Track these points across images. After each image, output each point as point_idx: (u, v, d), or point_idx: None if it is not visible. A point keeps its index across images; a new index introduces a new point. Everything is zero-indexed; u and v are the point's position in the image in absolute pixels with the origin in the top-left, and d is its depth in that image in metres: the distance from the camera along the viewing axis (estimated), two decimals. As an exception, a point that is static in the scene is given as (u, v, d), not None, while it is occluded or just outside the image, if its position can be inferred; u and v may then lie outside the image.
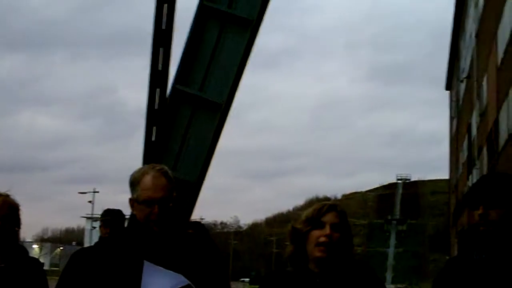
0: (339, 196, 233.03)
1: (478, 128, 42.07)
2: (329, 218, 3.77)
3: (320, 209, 3.83)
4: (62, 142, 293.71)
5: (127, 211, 4.03)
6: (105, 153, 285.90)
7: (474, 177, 44.61)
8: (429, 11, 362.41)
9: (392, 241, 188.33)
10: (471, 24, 46.54)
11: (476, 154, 43.51)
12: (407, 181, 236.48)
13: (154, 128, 8.42)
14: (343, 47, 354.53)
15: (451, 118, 72.64)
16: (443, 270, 3.91)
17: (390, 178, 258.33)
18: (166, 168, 4.07)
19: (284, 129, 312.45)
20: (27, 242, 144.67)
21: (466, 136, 50.77)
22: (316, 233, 3.75)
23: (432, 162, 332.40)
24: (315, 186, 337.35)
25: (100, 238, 7.24)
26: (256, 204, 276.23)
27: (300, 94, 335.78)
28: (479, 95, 41.30)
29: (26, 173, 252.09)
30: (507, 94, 29.23)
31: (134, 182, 3.95)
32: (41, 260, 4.76)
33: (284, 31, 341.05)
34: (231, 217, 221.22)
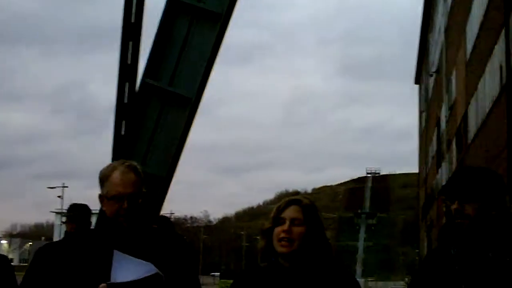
0: (309, 190, 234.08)
1: (447, 122, 42.31)
2: (288, 213, 3.80)
3: (280, 205, 3.88)
4: (32, 138, 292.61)
5: (95, 206, 4.01)
6: (75, 148, 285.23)
7: (443, 171, 44.89)
8: (399, 6, 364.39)
9: (362, 234, 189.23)
10: (440, 19, 46.79)
11: (445, 148, 43.78)
12: (377, 175, 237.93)
13: (124, 122, 8.37)
14: (314, 43, 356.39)
15: (420, 112, 73.04)
16: (422, 264, 3.93)
17: (360, 172, 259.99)
18: (135, 163, 4.07)
19: (256, 124, 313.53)
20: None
21: (435, 130, 51.06)
22: (278, 229, 3.79)
23: (401, 156, 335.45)
24: (286, 180, 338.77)
25: (66, 233, 7.18)
26: (226, 198, 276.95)
27: (272, 90, 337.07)
28: (448, 89, 41.52)
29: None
30: (476, 88, 29.41)
31: (103, 178, 3.94)
32: (10, 256, 4.73)
33: (257, 27, 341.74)
34: (201, 212, 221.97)
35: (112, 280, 3.62)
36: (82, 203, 7.38)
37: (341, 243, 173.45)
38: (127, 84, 8.40)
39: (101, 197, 3.95)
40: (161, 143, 8.45)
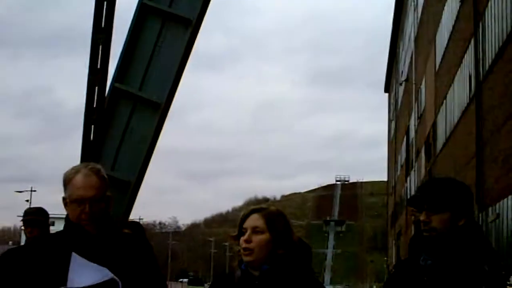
0: (278, 197, 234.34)
1: (416, 131, 42.57)
2: (249, 222, 3.81)
3: (243, 214, 3.89)
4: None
5: (58, 210, 3.98)
6: (43, 153, 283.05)
7: (411, 179, 45.13)
8: (369, 15, 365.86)
9: (331, 242, 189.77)
10: (410, 28, 47.09)
11: (414, 156, 44.03)
12: (346, 182, 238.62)
13: (93, 127, 8.33)
14: (283, 50, 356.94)
15: (390, 121, 73.42)
16: (392, 274, 3.95)
17: (329, 179, 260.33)
18: (99, 166, 4.00)
19: (225, 130, 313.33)
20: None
21: (404, 139, 51.36)
22: (241, 238, 3.80)
23: (370, 164, 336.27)
24: (255, 187, 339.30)
25: (27, 238, 7.10)
26: (195, 204, 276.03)
27: (241, 96, 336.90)
28: (417, 98, 41.79)
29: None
30: (445, 97, 29.63)
31: (66, 181, 3.89)
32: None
33: (226, 33, 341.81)
34: (170, 218, 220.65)
35: (69, 285, 3.60)
36: (38, 206, 7.33)
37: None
38: (96, 89, 8.36)
39: (64, 200, 3.89)
40: (131, 148, 8.42)
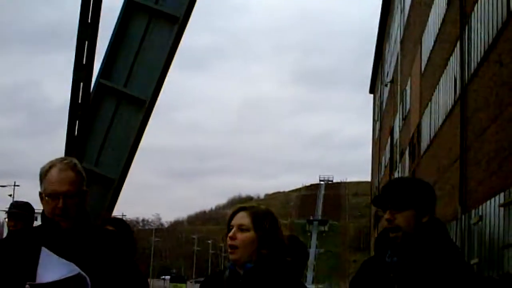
0: (262, 195, 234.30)
1: (400, 132, 42.65)
2: (235, 220, 3.82)
3: (230, 214, 3.89)
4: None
5: (41, 205, 3.95)
6: (28, 148, 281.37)
7: (395, 180, 45.16)
8: (357, 17, 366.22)
9: (314, 241, 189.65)
10: (397, 30, 47.15)
11: (398, 157, 44.12)
12: (330, 182, 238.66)
13: (77, 123, 8.31)
14: (270, 50, 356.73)
15: (374, 122, 73.54)
16: (358, 271, 3.98)
17: (313, 179, 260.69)
18: (75, 161, 3.95)
19: (210, 129, 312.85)
20: None
21: (389, 140, 51.43)
22: (227, 235, 3.81)
23: (355, 165, 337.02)
24: (239, 185, 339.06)
25: (9, 231, 7.08)
26: (179, 202, 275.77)
27: (226, 95, 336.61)
28: (402, 100, 41.87)
29: None
30: (430, 99, 29.70)
31: (42, 175, 3.85)
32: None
33: (213, 32, 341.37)
34: (153, 215, 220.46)
35: (38, 280, 3.59)
36: (25, 201, 7.31)
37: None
38: (81, 84, 8.34)
39: (40, 194, 3.86)
40: (115, 144, 8.40)
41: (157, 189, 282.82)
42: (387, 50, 57.10)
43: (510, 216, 16.41)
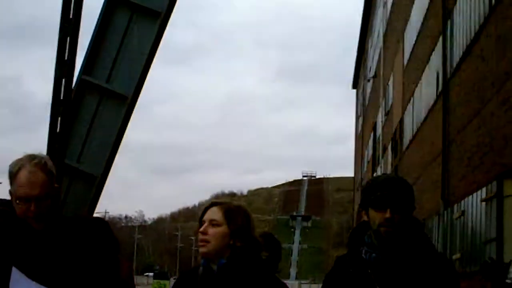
0: (245, 191, 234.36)
1: (383, 127, 42.72)
2: (207, 215, 3.82)
3: (203, 209, 3.90)
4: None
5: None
6: (10, 145, 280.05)
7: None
8: (339, 12, 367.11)
9: (297, 237, 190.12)
10: (379, 24, 47.21)
11: (380, 153, 44.20)
12: (313, 177, 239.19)
13: (59, 119, 8.26)
14: (252, 45, 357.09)
15: (357, 117, 73.65)
16: (333, 268, 3.97)
17: (296, 175, 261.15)
18: (45, 159, 3.76)
19: (192, 125, 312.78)
20: None
21: (371, 135, 51.52)
22: (199, 230, 3.81)
23: (337, 160, 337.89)
24: (221, 181, 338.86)
25: None
26: (162, 198, 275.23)
27: (209, 91, 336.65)
28: (385, 95, 41.94)
29: None
30: (412, 94, 29.75)
31: (11, 176, 3.69)
32: None
33: (196, 27, 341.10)
34: (136, 211, 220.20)
35: None
36: (8, 199, 7.25)
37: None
38: (63, 81, 8.29)
39: (11, 194, 3.71)
40: (97, 140, 8.37)
41: (140, 185, 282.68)
42: (369, 45, 57.16)
43: (492, 211, 16.47)
